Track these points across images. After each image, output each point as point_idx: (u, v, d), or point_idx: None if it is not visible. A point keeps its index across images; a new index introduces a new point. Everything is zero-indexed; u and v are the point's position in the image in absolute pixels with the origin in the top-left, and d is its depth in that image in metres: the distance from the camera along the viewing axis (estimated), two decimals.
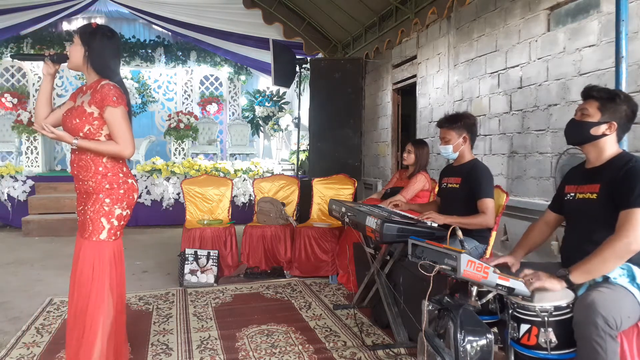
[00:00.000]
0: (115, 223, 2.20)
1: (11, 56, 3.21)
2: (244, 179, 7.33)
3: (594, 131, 1.92)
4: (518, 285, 1.72)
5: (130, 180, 2.27)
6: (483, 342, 1.71)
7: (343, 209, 3.17)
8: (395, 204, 3.30)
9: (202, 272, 4.08)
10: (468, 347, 1.70)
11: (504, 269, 1.95)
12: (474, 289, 1.85)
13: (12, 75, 9.56)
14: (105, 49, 2.19)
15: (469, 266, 1.69)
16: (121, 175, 2.23)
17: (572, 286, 1.77)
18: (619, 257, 1.72)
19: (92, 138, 2.16)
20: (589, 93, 1.97)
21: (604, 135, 1.92)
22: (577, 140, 2.02)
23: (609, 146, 1.94)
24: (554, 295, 1.74)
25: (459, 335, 1.70)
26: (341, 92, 6.38)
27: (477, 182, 2.79)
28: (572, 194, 2.02)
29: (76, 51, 2.18)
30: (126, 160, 2.31)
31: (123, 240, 2.29)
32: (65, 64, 2.23)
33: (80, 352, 2.10)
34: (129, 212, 2.26)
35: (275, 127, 9.63)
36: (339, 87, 6.38)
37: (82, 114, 2.15)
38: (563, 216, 2.16)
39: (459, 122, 2.91)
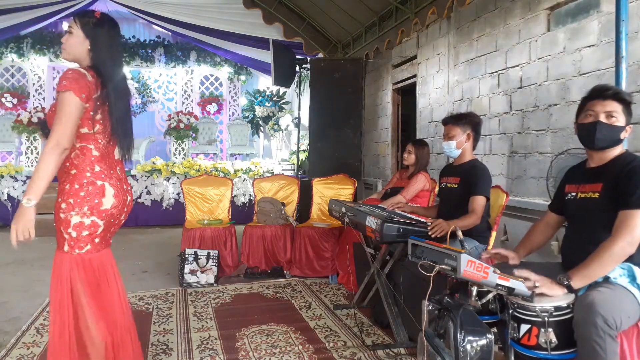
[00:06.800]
0: (74, 234, 1.85)
1: None
2: (244, 179, 7.33)
3: (623, 135, 1.91)
4: (518, 285, 1.72)
5: (100, 182, 1.88)
6: (483, 342, 1.71)
7: (343, 209, 3.17)
8: (398, 208, 3.27)
9: (202, 272, 4.08)
10: (468, 347, 1.70)
11: (503, 268, 1.95)
12: (474, 289, 1.85)
13: (12, 75, 9.55)
14: (112, 42, 1.96)
15: (469, 266, 1.69)
16: (88, 174, 1.87)
17: (573, 292, 1.76)
18: (616, 259, 1.73)
19: None
20: (616, 96, 1.89)
21: (624, 138, 1.92)
22: (608, 144, 1.92)
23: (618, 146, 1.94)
24: None
25: (459, 335, 1.69)
26: (341, 92, 6.37)
27: (473, 180, 2.79)
28: (574, 194, 2.01)
29: (77, 43, 1.89)
30: (114, 157, 1.99)
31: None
32: (61, 54, 2.02)
33: None
34: (96, 220, 1.87)
35: (275, 127, 9.63)
36: (339, 87, 6.37)
37: (55, 104, 1.90)
38: (564, 217, 2.14)
39: (465, 119, 2.92)
